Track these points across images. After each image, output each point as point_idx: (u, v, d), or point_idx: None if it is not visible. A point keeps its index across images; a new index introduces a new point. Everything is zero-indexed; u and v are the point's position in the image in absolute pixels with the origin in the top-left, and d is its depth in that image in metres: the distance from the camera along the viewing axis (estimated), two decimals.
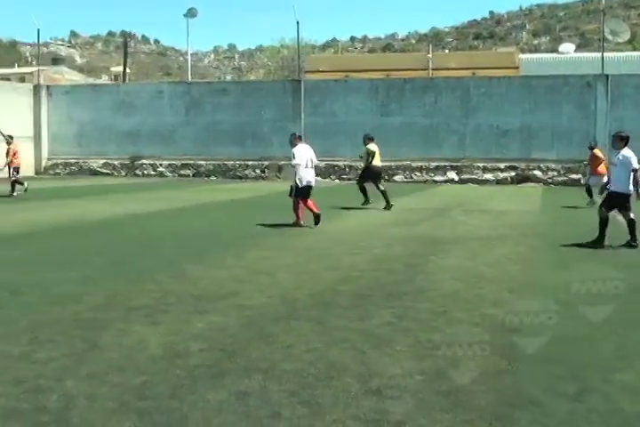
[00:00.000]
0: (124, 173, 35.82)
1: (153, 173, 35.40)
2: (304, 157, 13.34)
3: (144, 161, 35.63)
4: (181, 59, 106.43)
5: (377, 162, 17.85)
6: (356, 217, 15.52)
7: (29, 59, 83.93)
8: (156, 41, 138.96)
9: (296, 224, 13.15)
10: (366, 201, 17.44)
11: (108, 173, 35.82)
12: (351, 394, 4.34)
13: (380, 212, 16.53)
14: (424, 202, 20.42)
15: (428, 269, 8.94)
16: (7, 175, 21.70)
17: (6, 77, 49.13)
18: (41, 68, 44.90)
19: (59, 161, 37.37)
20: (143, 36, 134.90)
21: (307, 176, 13.32)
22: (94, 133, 36.45)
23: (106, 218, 14.86)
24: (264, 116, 33.56)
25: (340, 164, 32.37)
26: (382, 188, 17.40)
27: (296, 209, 13.25)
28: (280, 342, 5.47)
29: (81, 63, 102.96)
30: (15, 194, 20.76)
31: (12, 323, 5.95)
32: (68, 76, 58.67)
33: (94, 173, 36.06)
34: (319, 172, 32.84)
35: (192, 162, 34.83)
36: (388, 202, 16.94)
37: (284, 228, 13.09)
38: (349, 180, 32.30)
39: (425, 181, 31.38)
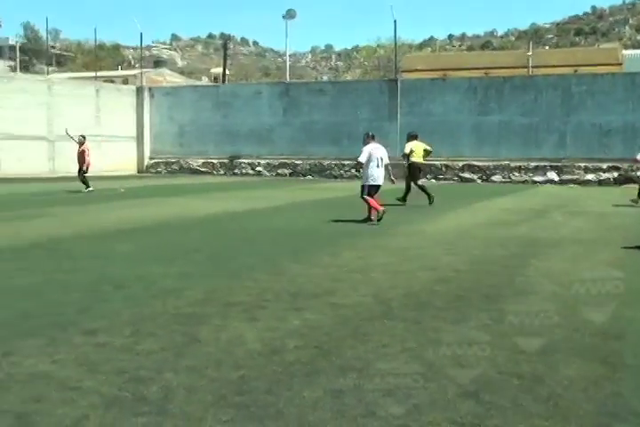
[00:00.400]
0: (222, 172, 36.61)
1: (251, 171, 36.02)
2: (374, 156, 13.68)
3: (242, 160, 36.29)
4: (280, 60, 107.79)
5: (417, 159, 18.13)
6: (453, 217, 15.32)
7: (132, 61, 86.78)
8: (255, 42, 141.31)
9: (370, 220, 13.66)
10: (430, 197, 17.68)
11: (207, 172, 36.68)
12: (448, 396, 4.28)
13: (477, 212, 16.27)
14: (523, 203, 19.96)
15: (527, 271, 8.73)
16: (79, 173, 22.87)
17: (110, 79, 50.99)
18: (143, 70, 46.35)
19: (160, 160, 38.52)
20: (242, 38, 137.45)
21: (375, 175, 13.72)
22: (194, 133, 37.41)
23: (205, 215, 15.21)
24: (360, 115, 33.59)
25: (437, 163, 32.04)
26: (420, 183, 17.86)
27: (369, 208, 13.72)
28: (375, 341, 5.45)
29: (182, 65, 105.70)
30: (89, 189, 22.01)
31: (115, 316, 6.15)
32: (170, 78, 60.33)
33: (194, 171, 36.99)
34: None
35: (289, 161, 35.25)
36: (429, 196, 17.55)
37: (378, 227, 13.08)
38: (445, 179, 31.96)
39: (524, 182, 30.70)
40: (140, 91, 39.38)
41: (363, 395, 4.28)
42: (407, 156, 17.93)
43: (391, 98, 33.38)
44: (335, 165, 34.36)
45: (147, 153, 38.97)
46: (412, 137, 18.20)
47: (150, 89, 39.94)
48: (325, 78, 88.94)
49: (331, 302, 6.74)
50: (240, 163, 36.29)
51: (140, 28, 37.41)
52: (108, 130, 37.02)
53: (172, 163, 38.14)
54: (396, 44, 39.07)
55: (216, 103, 37.21)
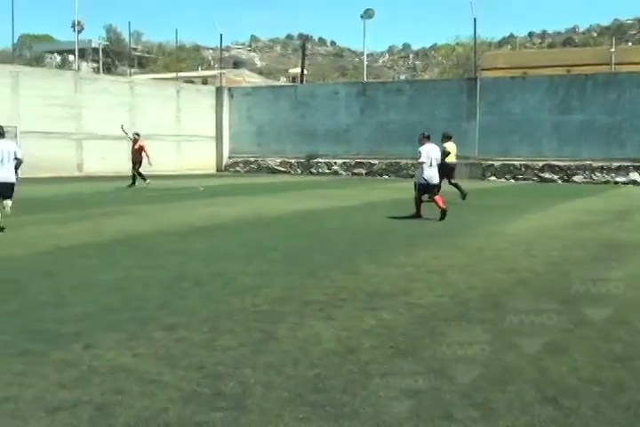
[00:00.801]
0: (299, 171, 36.86)
1: (327, 171, 36.15)
2: (430, 157, 14.19)
3: (319, 160, 36.47)
4: (357, 59, 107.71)
5: (451, 159, 18.59)
6: (532, 218, 15.01)
7: (212, 62, 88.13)
8: (333, 42, 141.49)
9: (416, 216, 14.26)
10: (463, 194, 18.27)
11: (284, 171, 37.00)
12: (526, 400, 4.19)
13: (558, 213, 15.91)
14: (604, 204, 19.39)
15: (608, 274, 8.47)
16: (134, 168, 24.33)
17: (190, 80, 51.92)
18: (223, 71, 47.07)
19: (239, 159, 39.06)
20: (320, 38, 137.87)
21: (430, 174, 14.21)
22: (272, 133, 37.78)
23: (282, 214, 15.34)
24: (438, 115, 33.26)
25: (516, 163, 31.46)
26: (454, 181, 18.41)
27: (418, 203, 14.36)
28: (452, 342, 5.38)
29: (260, 66, 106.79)
30: (145, 184, 23.37)
31: (193, 312, 6.27)
32: (249, 79, 61.05)
33: (272, 170, 37.37)
34: (494, 171, 32.25)
35: (365, 161, 35.23)
36: (462, 192, 18.26)
37: (455, 227, 12.95)
38: (524, 180, 31.33)
39: (605, 182, 29.84)
40: (219, 91, 40.02)
41: (440, 396, 4.24)
42: (447, 155, 18.14)
43: (470, 97, 32.94)
44: (412, 164, 34.12)
45: (225, 152, 39.58)
46: (446, 138, 18.62)
47: (230, 89, 40.52)
48: (403, 78, 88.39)
49: (407, 302, 6.70)
50: (317, 162, 36.48)
51: (219, 29, 38.16)
52: (187, 130, 37.77)
53: (250, 162, 38.63)
54: (475, 41, 38.50)
55: (294, 103, 37.49)
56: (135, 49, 74.03)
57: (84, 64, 61.46)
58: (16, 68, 31.77)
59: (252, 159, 38.59)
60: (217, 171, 38.97)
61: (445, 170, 17.82)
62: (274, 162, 37.85)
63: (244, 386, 4.36)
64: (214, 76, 51.07)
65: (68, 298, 6.81)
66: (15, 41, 43.66)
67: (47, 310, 6.33)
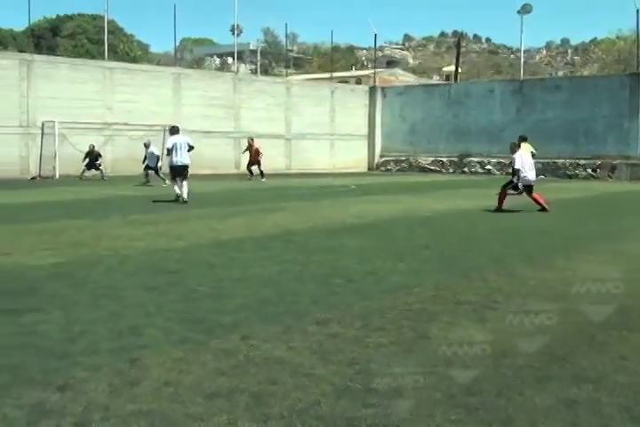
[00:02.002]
0: (451, 170, 36.43)
1: (480, 170, 35.49)
2: (525, 162, 15.69)
3: (472, 159, 35.88)
4: (512, 56, 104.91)
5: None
6: None
7: (365, 62, 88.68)
8: (488, 39, 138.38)
9: (498, 210, 15.54)
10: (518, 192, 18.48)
11: (436, 170, 36.69)
12: None
13: None
14: None
15: None
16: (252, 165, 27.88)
17: (344, 80, 52.50)
18: (376, 70, 47.26)
19: (390, 158, 39.13)
20: (475, 35, 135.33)
21: (529, 177, 15.66)
22: (425, 132, 37.57)
23: (433, 213, 15.23)
24: (598, 112, 31.81)
25: None
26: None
27: (501, 198, 15.66)
28: (612, 352, 5.12)
29: (413, 65, 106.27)
30: (262, 180, 26.69)
31: (346, 308, 6.33)
32: (402, 78, 60.94)
33: (423, 169, 37.16)
34: None
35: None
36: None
37: (614, 231, 12.33)
38: None
39: None
40: (372, 90, 40.26)
41: (598, 408, 4.03)
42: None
43: (632, 94, 31.25)
44: (569, 164, 32.87)
45: (377, 151, 39.77)
46: (522, 139, 18.95)
47: (383, 89, 40.66)
48: (560, 74, 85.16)
49: (564, 308, 6.43)
50: (470, 161, 35.88)
51: (374, 29, 38.24)
52: (341, 129, 38.27)
53: (402, 161, 38.60)
54: (638, 35, 36.38)
55: (447, 102, 37.08)
56: (291, 50, 75.86)
57: (242, 66, 63.57)
58: (178, 71, 33.39)
59: (403, 158, 38.54)
60: (368, 169, 39.21)
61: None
62: (425, 161, 37.61)
63: (396, 384, 4.35)
64: (368, 76, 51.38)
65: (227, 290, 7.07)
66: (177, 45, 45.88)
67: (207, 300, 6.60)
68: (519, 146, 16.23)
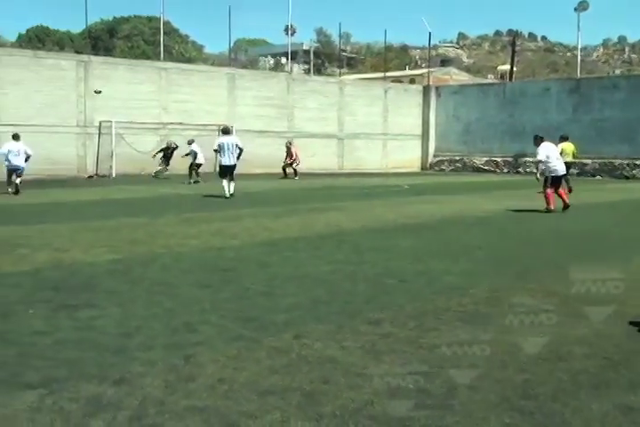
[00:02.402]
0: (506, 171, 35.97)
1: (535, 171, 34.91)
2: (551, 153, 15.58)
3: (527, 159, 35.31)
4: (569, 54, 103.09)
5: (565, 158, 19.00)
6: None
7: (418, 61, 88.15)
8: (543, 37, 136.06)
9: (548, 210, 15.17)
10: (570, 188, 18.85)
11: (490, 170, 36.28)
12: None
13: None
14: None
15: None
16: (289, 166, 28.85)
17: (398, 80, 52.23)
18: (430, 69, 46.94)
19: (444, 158, 38.83)
20: (530, 33, 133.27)
21: (554, 168, 15.47)
22: (479, 131, 37.18)
23: (487, 213, 15.08)
24: None
25: None
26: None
27: (547, 197, 15.35)
28: None
29: (468, 64, 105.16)
30: (295, 178, 27.73)
31: (399, 308, 6.30)
32: (456, 77, 60.38)
33: (477, 169, 36.78)
34: None
35: (577, 160, 33.62)
36: (570, 187, 19.18)
37: None
38: None
39: None
40: (426, 90, 39.99)
41: None
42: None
43: None
44: (627, 164, 32.16)
45: (431, 151, 39.50)
46: (563, 138, 19.44)
47: (437, 88, 40.36)
48: (617, 72, 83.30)
49: (622, 312, 6.29)
50: (525, 161, 35.34)
51: (428, 28, 38.13)
52: (394, 128, 38.12)
53: (456, 161, 38.27)
54: None
55: (502, 101, 36.62)
56: (344, 50, 75.73)
57: (295, 66, 63.83)
58: (232, 71, 33.67)
59: (457, 158, 38.21)
60: (421, 169, 38.97)
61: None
62: (479, 161, 37.22)
63: (450, 386, 4.31)
64: (421, 75, 51.08)
65: (279, 288, 7.11)
66: (231, 45, 46.30)
67: (260, 298, 6.65)
68: (542, 139, 15.92)
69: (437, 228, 12.61)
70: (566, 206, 15.34)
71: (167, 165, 27.22)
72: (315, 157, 33.97)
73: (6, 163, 19.18)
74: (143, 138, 28.89)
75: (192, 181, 24.19)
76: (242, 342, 5.19)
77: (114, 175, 27.48)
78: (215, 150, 18.44)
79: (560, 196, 15.52)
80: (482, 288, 7.21)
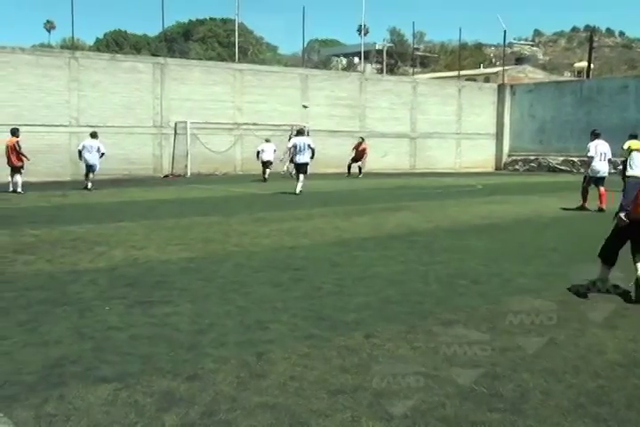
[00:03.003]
0: (582, 171, 35.07)
1: (614, 170, 33.96)
2: (598, 151, 15.66)
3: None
4: None
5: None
6: None
7: (493, 59, 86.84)
8: (621, 33, 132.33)
9: (582, 208, 15.46)
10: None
11: (566, 170, 35.46)
12: None
13: None
14: None
15: None
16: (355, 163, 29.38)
17: (472, 78, 51.57)
18: (505, 67, 46.17)
19: (518, 157, 38.16)
20: (607, 29, 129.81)
21: (599, 168, 15.72)
22: (555, 130, 36.40)
23: (561, 214, 14.82)
24: None
25: None
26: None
27: (584, 195, 15.65)
28: None
29: (544, 61, 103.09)
30: (359, 176, 28.14)
31: (471, 310, 6.24)
32: (531, 75, 59.22)
33: (552, 169, 36.02)
34: None
35: None
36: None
37: None
38: None
39: None
40: (501, 88, 39.37)
41: None
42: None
43: None
44: None
45: (505, 150, 38.86)
46: (631, 136, 18.79)
47: (512, 86, 39.69)
48: None
49: None
50: None
51: (503, 25, 37.41)
52: (467, 128, 37.67)
53: (530, 160, 37.54)
54: None
55: (579, 99, 35.75)
56: (417, 49, 75.20)
57: (368, 66, 63.75)
58: (305, 71, 33.83)
59: (531, 157, 37.48)
60: (495, 169, 38.39)
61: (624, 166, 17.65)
62: (555, 160, 36.41)
63: (522, 390, 4.26)
64: (496, 74, 50.33)
65: (350, 288, 7.13)
66: (305, 46, 46.49)
67: (330, 297, 6.68)
68: (597, 135, 16.13)
69: (511, 228, 12.41)
70: (600, 209, 15.20)
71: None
72: (386, 157, 33.85)
73: (83, 159, 20.66)
74: (217, 138, 29.34)
75: (266, 176, 24.39)
76: (312, 341, 5.23)
77: (189, 175, 27.98)
78: (289, 149, 19.85)
79: (600, 196, 15.52)
80: (556, 291, 7.07)
